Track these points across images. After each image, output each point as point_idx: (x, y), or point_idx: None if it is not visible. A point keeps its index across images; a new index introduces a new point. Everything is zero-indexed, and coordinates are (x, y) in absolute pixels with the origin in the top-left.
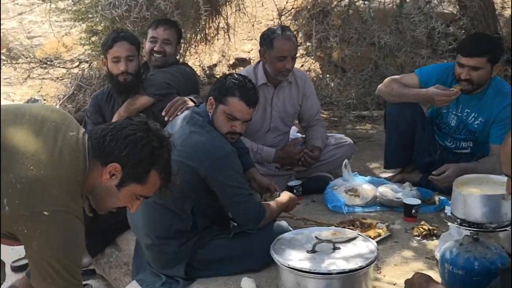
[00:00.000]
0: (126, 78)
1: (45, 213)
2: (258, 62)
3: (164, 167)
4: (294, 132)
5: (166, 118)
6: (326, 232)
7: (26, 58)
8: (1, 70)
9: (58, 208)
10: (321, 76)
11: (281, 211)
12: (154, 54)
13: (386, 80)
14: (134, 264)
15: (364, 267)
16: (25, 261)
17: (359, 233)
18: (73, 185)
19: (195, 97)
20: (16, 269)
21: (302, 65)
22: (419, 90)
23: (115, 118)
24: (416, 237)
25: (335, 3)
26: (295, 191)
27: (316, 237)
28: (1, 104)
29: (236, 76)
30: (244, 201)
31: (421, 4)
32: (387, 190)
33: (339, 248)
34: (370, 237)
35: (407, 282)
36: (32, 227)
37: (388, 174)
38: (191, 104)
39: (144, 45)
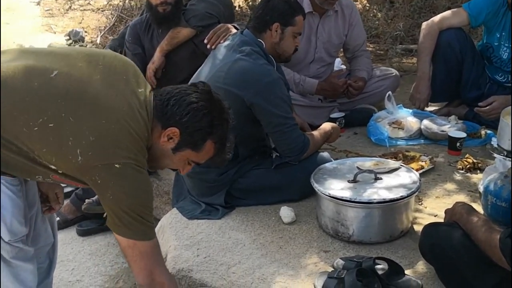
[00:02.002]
0: (166, 8)
1: (116, 165)
2: None
3: (220, 138)
4: (338, 63)
5: (208, 46)
6: (368, 162)
7: None
8: (44, 1)
9: (128, 161)
10: (367, 7)
11: (324, 141)
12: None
13: (423, 27)
14: (174, 192)
15: (406, 197)
16: (70, 189)
17: (402, 164)
18: (141, 141)
19: (238, 24)
20: None
21: None
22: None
23: (157, 53)
24: (459, 170)
25: None
26: (337, 123)
27: (358, 167)
28: (65, 45)
29: None
30: (288, 131)
31: None
32: (432, 123)
33: (381, 179)
34: (413, 169)
35: (447, 211)
36: (105, 178)
37: (433, 107)
38: (234, 31)
39: None
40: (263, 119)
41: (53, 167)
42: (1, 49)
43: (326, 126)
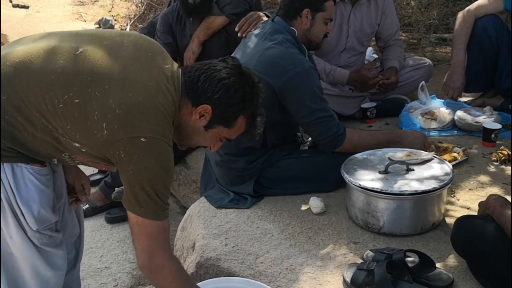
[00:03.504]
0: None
1: (142, 139)
2: None
3: (251, 113)
4: (370, 53)
5: (239, 34)
6: (400, 153)
7: None
8: None
9: (154, 135)
10: None
11: (372, 145)
12: None
13: (459, 15)
14: (202, 181)
15: (438, 189)
16: (99, 176)
17: (435, 155)
18: (168, 116)
19: (270, 12)
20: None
21: None
22: None
23: (195, 42)
24: (494, 162)
25: None
26: (369, 113)
27: (390, 158)
28: (95, 29)
29: None
30: (317, 123)
31: None
32: (465, 114)
33: (412, 170)
34: (445, 160)
35: (481, 204)
36: (129, 152)
37: (467, 98)
38: (265, 19)
39: None
40: (291, 109)
41: (77, 144)
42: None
43: (384, 132)
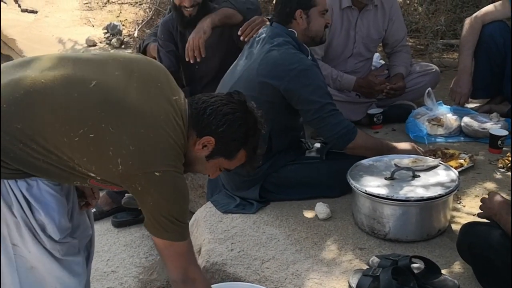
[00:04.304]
0: (191, 13)
1: (156, 173)
2: None
3: (253, 148)
4: (377, 58)
5: (242, 38)
6: (406, 160)
7: None
8: None
9: (168, 168)
10: (408, 1)
11: (378, 148)
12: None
13: (466, 21)
14: (208, 186)
15: (444, 195)
16: None
17: (441, 162)
18: (178, 148)
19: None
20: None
21: None
22: None
23: (208, 24)
24: (500, 169)
25: None
26: (375, 119)
27: (396, 164)
28: (104, 53)
29: None
30: (328, 116)
31: None
32: (472, 120)
33: (418, 176)
34: (451, 167)
35: (484, 207)
36: (145, 186)
37: (474, 104)
38: (268, 23)
39: None
40: (301, 107)
41: (92, 174)
42: (40, 45)
43: (397, 144)
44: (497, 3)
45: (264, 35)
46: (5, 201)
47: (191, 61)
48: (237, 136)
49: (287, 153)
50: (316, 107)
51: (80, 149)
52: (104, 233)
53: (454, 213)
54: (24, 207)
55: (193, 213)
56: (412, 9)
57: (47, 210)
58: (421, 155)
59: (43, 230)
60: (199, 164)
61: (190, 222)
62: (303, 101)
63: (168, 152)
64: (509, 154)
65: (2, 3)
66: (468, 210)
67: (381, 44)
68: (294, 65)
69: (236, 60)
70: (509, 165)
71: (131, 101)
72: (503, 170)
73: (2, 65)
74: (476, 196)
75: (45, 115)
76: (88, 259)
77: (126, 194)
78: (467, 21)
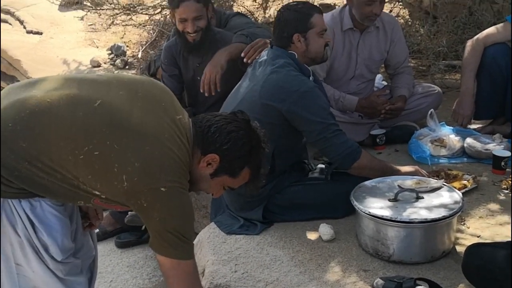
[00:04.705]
0: (195, 38)
1: (162, 189)
2: (344, 6)
3: (256, 166)
4: (379, 80)
5: (245, 60)
6: (409, 181)
7: (110, 4)
8: (87, 16)
9: (173, 184)
10: (410, 22)
11: (382, 170)
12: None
13: (468, 43)
14: (212, 207)
15: (448, 217)
16: None
17: (444, 183)
18: (184, 166)
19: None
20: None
21: (391, 11)
22: None
23: (225, 58)
24: (504, 190)
25: None
26: (378, 140)
27: (399, 186)
28: (109, 74)
29: (294, 3)
30: (332, 137)
31: None
32: (475, 141)
33: (422, 198)
34: (455, 188)
35: None
36: (151, 202)
37: (477, 125)
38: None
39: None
40: (304, 129)
41: (97, 192)
42: (45, 65)
43: (400, 167)
44: (498, 26)
45: (265, 57)
46: (9, 221)
47: (206, 95)
48: (241, 154)
49: (290, 174)
50: (319, 128)
51: (85, 166)
52: (107, 254)
53: (459, 235)
54: (27, 227)
55: (197, 233)
56: (413, 30)
57: (49, 231)
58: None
59: (46, 249)
60: (203, 182)
61: (194, 243)
62: (306, 123)
63: (173, 168)
64: None
65: (7, 24)
66: (472, 231)
67: (383, 65)
68: (296, 87)
69: (239, 82)
70: None
71: (136, 120)
72: (506, 191)
73: (8, 86)
74: (480, 217)
75: (50, 134)
76: (91, 280)
77: (130, 212)
78: (469, 43)
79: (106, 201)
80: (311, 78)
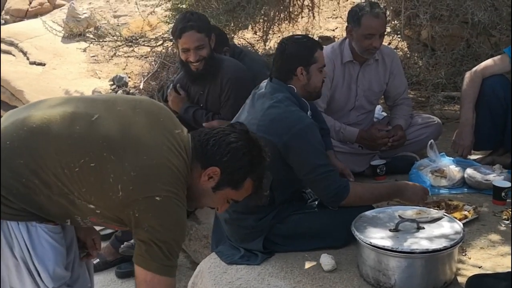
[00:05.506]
0: (198, 67)
1: (157, 198)
2: (344, 39)
3: (259, 176)
4: (379, 110)
5: None
6: (410, 211)
7: (113, 36)
8: (89, 48)
9: (168, 194)
10: (408, 54)
11: (376, 197)
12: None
13: (466, 75)
14: (213, 237)
15: (449, 247)
16: (109, 231)
17: (445, 214)
18: (181, 177)
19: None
20: (101, 238)
21: (390, 43)
22: None
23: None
24: (504, 221)
25: None
26: (378, 170)
27: (400, 216)
28: (108, 94)
29: (299, 36)
30: (320, 179)
31: None
32: (475, 172)
33: (423, 228)
34: (456, 219)
35: None
36: (144, 211)
37: (477, 156)
38: None
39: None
40: (294, 166)
41: (92, 206)
42: (47, 96)
43: (386, 185)
44: (495, 58)
45: (264, 90)
46: (7, 243)
47: None
48: (242, 165)
49: (290, 203)
50: (308, 168)
51: (80, 179)
52: (108, 284)
53: (460, 265)
54: (23, 249)
55: (197, 264)
56: (412, 62)
57: (41, 258)
58: (426, 202)
59: (40, 274)
60: (206, 196)
61: (195, 273)
62: (298, 161)
63: (169, 178)
64: None
65: (11, 55)
66: (473, 262)
67: (383, 97)
68: (293, 123)
69: (237, 114)
70: None
71: (134, 132)
72: (507, 221)
73: (10, 111)
74: (481, 248)
75: (47, 149)
76: None
77: (125, 243)
78: (467, 75)
79: (101, 217)
80: (309, 113)
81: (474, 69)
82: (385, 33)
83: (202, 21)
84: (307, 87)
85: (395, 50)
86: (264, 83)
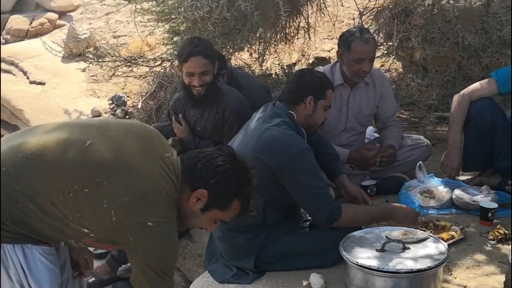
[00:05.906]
0: (200, 92)
1: (149, 223)
2: (336, 62)
3: (245, 197)
4: (371, 132)
5: None
6: (396, 232)
7: (112, 56)
8: (89, 68)
9: (161, 219)
10: (401, 75)
11: (367, 219)
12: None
13: (454, 98)
14: (207, 253)
15: (433, 267)
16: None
17: (430, 234)
18: (172, 201)
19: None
20: (96, 257)
21: (382, 65)
22: None
23: None
24: (490, 241)
25: (418, 1)
26: (369, 191)
27: (386, 237)
28: (103, 117)
29: (318, 71)
30: (315, 201)
31: (509, 3)
32: (463, 193)
33: (408, 248)
34: (443, 239)
35: None
36: (137, 236)
37: (465, 176)
38: None
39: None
40: (288, 187)
41: (86, 230)
42: (47, 115)
43: (378, 208)
44: (483, 82)
45: (263, 114)
46: (3, 265)
47: None
48: (229, 187)
49: (283, 224)
50: (303, 190)
51: (74, 205)
52: None
53: (445, 285)
54: (19, 272)
55: (191, 282)
56: (405, 83)
57: (37, 280)
58: (415, 224)
59: None
60: (195, 217)
61: None
62: (292, 183)
63: (161, 203)
64: (499, 226)
65: (11, 75)
66: (459, 282)
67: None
68: (289, 146)
69: (235, 136)
70: (500, 237)
71: (125, 158)
72: (493, 242)
73: (8, 134)
74: (467, 268)
75: (42, 175)
76: None
77: (123, 266)
78: (455, 98)
79: (95, 240)
80: (305, 141)
81: (461, 92)
82: (378, 55)
83: (209, 48)
84: (309, 118)
85: (387, 73)
86: (264, 107)
